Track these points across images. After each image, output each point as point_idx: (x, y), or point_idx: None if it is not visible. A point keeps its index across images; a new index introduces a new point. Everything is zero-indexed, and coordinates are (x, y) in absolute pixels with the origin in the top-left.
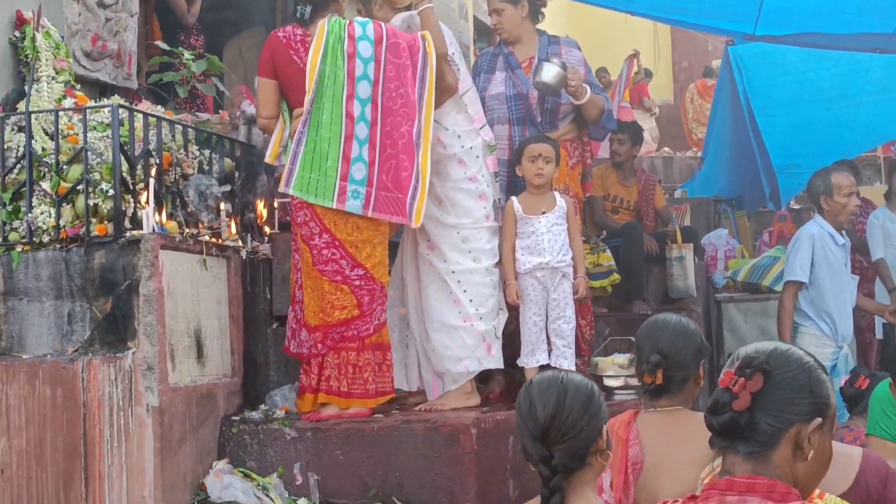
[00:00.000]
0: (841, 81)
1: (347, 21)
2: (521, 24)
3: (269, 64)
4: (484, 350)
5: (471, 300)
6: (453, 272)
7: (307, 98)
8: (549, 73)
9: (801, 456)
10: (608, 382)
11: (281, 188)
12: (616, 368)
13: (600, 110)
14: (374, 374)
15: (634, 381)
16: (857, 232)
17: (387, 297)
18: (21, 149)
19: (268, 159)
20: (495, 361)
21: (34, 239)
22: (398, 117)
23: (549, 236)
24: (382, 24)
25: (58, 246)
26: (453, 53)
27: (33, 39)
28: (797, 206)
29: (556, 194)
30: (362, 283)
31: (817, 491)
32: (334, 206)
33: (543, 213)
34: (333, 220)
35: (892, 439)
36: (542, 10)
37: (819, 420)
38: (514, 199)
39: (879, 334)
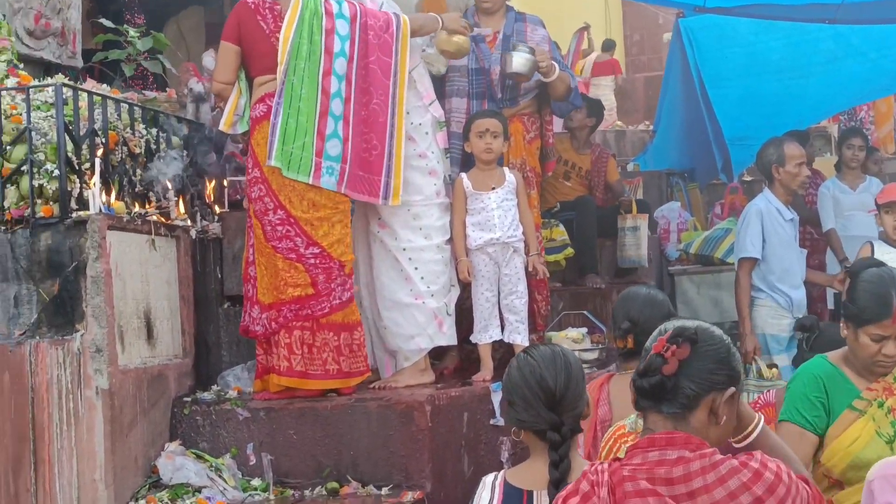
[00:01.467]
0: (791, 52)
1: None
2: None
3: (233, 29)
4: (436, 327)
5: (422, 277)
6: (404, 249)
7: (280, 69)
8: (520, 61)
9: (714, 421)
10: None
11: (265, 162)
12: (570, 343)
13: (567, 87)
14: (336, 354)
15: (588, 356)
16: (807, 203)
17: (350, 276)
18: None
19: (222, 127)
20: (447, 338)
21: None
22: (370, 96)
23: (500, 212)
24: (356, 2)
25: (2, 228)
26: None
27: None
28: (749, 179)
29: (506, 169)
30: (317, 261)
31: None
32: (310, 182)
33: (493, 188)
34: (289, 197)
35: (814, 430)
36: None
37: (733, 390)
38: (462, 175)
39: (830, 304)
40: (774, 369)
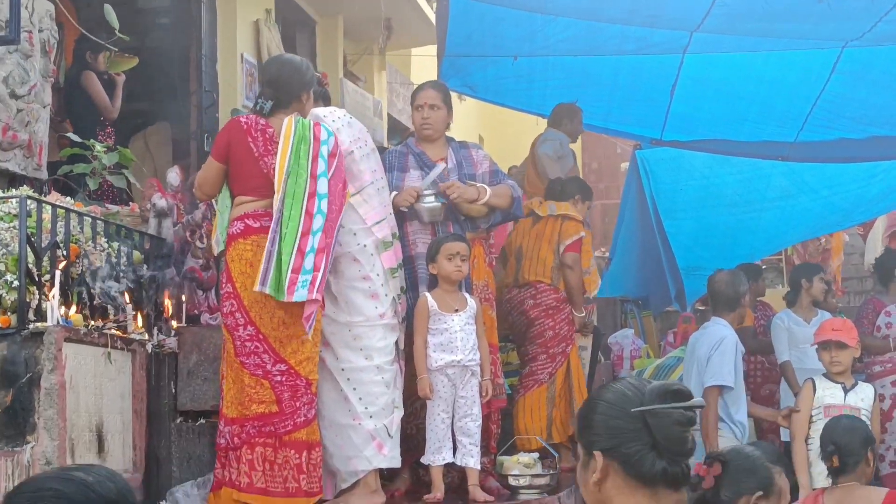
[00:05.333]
0: (744, 187)
1: (313, 122)
2: (443, 128)
3: (223, 148)
4: (374, 449)
5: (360, 398)
6: (343, 370)
7: (277, 197)
8: (432, 211)
9: None
10: (513, 482)
11: (257, 288)
12: (521, 468)
13: (510, 198)
14: (297, 472)
15: (539, 481)
16: (759, 334)
17: (315, 395)
18: None
19: (213, 250)
20: (388, 461)
21: None
22: (335, 209)
23: (462, 335)
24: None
25: None
26: (352, 152)
27: None
28: (702, 308)
29: (467, 295)
30: (283, 378)
31: None
32: (284, 299)
33: (456, 310)
34: (259, 314)
35: None
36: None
37: (760, 493)
38: (427, 294)
39: (784, 436)
40: None
